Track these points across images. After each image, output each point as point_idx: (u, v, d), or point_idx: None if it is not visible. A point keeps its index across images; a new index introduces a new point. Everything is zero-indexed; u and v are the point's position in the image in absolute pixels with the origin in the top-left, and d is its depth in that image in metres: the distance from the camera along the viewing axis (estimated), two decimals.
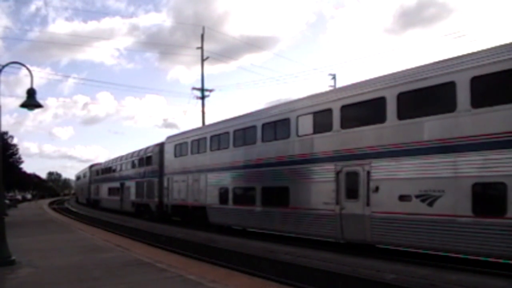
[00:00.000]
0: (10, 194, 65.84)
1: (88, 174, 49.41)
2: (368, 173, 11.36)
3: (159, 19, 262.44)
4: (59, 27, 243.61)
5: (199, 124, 33.55)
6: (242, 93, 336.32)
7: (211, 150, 19.11)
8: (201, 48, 34.79)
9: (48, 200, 78.01)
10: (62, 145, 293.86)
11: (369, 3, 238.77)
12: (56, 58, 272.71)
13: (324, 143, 13.03)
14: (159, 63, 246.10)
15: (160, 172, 24.54)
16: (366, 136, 11.69)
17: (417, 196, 10.18)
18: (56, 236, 16.54)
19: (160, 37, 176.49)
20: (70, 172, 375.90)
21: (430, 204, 9.89)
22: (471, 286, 8.04)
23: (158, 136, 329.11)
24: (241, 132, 17.07)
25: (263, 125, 15.72)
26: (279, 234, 15.87)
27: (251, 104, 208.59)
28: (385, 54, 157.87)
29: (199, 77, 35.70)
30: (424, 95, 10.47)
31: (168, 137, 24.20)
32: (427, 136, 10.24)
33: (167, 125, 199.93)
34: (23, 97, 10.42)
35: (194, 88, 34.92)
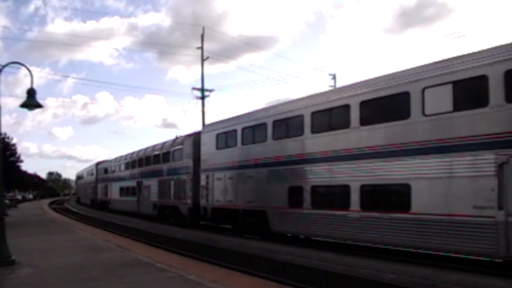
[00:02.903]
0: (10, 194, 65.89)
1: (94, 172, 44.63)
2: None
3: (158, 19, 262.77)
4: (58, 27, 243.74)
5: (199, 124, 33.55)
6: (242, 93, 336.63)
7: (274, 139, 15.07)
8: (201, 48, 34.84)
9: (48, 200, 78.17)
10: (62, 145, 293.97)
11: (368, 3, 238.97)
12: (55, 58, 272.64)
13: (475, 123, 9.42)
14: (158, 63, 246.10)
15: (195, 168, 20.71)
16: None
17: None
18: (56, 236, 16.53)
19: (159, 36, 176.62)
20: (70, 172, 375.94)
21: None
22: (471, 286, 8.04)
23: (157, 136, 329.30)
24: (324, 114, 13.16)
25: (362, 104, 11.88)
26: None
27: (251, 104, 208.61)
28: (384, 54, 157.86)
29: (199, 77, 35.79)
30: None
31: (207, 126, 20.10)
32: None
33: (167, 125, 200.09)
34: (22, 97, 10.45)
35: (194, 88, 34.98)
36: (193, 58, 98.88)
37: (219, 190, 18.02)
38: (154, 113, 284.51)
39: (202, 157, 19.62)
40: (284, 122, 14.66)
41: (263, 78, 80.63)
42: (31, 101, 10.26)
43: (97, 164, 44.66)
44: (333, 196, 12.84)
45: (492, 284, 8.21)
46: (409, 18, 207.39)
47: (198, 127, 32.84)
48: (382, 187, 11.34)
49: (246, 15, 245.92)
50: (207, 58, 35.24)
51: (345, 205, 11.99)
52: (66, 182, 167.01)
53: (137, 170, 30.25)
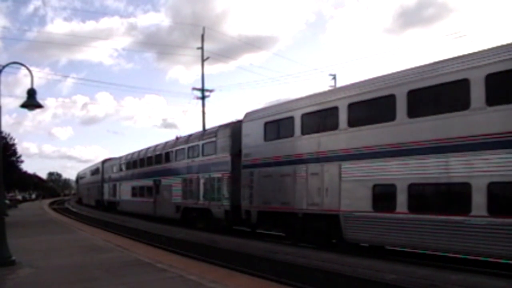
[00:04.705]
0: (11, 194, 65.97)
1: (100, 171, 40.78)
2: None
3: (158, 19, 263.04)
4: (58, 27, 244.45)
5: (199, 124, 33.45)
6: (242, 93, 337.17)
7: (350, 125, 12.17)
8: (201, 48, 34.85)
9: (48, 200, 78.38)
10: (62, 145, 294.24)
11: (368, 3, 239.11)
12: (55, 58, 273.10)
13: None
14: (157, 63, 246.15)
15: (233, 163, 17.64)
16: None
17: None
18: (57, 237, 16.53)
19: (159, 37, 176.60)
20: (70, 172, 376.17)
21: None
22: (471, 286, 8.05)
23: (157, 136, 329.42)
24: (429, 93, 10.40)
25: (488, 77, 9.14)
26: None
27: (252, 104, 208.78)
28: (384, 54, 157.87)
29: (199, 77, 35.87)
30: None
31: (250, 113, 16.76)
32: None
33: (167, 125, 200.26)
34: (22, 97, 10.47)
35: (194, 88, 35.01)
36: (193, 58, 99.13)
37: (268, 190, 15.03)
38: (154, 113, 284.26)
39: (244, 150, 16.53)
40: (365, 105, 11.99)
41: (263, 78, 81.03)
42: (31, 101, 10.26)
43: (104, 161, 40.68)
44: (442, 198, 10.18)
45: (492, 284, 8.21)
46: (409, 18, 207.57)
47: (199, 127, 32.92)
48: None
49: (246, 15, 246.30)
50: (207, 58, 35.30)
51: (463, 209, 9.40)
52: (67, 182, 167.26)
53: (154, 168, 26.84)
